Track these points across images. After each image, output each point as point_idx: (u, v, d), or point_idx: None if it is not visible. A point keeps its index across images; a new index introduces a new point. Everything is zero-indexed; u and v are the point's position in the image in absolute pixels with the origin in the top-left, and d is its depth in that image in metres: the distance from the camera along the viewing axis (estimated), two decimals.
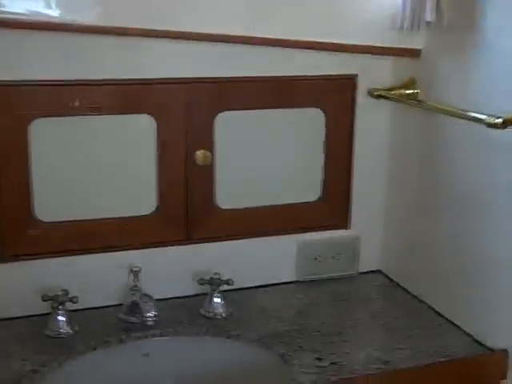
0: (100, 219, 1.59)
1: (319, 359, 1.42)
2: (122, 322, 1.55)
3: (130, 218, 1.61)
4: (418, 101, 1.63)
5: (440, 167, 1.60)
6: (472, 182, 1.50)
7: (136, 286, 1.56)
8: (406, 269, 1.77)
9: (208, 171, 1.64)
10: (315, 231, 1.76)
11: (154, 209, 1.62)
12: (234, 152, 1.66)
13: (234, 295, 1.67)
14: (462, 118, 1.44)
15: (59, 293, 1.51)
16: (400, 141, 1.75)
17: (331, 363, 1.41)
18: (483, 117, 1.35)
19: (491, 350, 1.46)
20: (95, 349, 1.46)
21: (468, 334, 1.52)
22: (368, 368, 1.39)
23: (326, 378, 1.35)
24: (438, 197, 1.62)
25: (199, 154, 1.61)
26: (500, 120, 1.32)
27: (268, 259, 1.74)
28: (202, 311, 1.60)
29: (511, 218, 1.40)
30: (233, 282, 1.60)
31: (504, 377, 1.44)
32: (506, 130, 1.32)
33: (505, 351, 1.44)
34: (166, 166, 1.60)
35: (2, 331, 1.50)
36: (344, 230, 1.79)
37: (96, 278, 1.60)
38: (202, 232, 1.67)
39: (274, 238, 1.73)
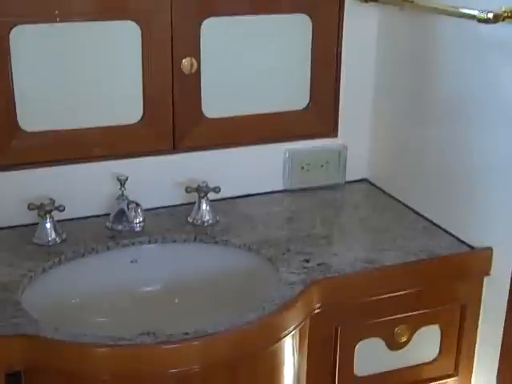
0: (86, 129, 1.56)
1: (307, 261, 1.43)
2: (109, 230, 1.55)
3: (116, 127, 1.58)
4: (408, 0, 1.59)
5: (430, 71, 1.58)
6: (463, 85, 1.48)
7: (123, 194, 1.56)
8: (392, 176, 1.76)
9: (194, 79, 1.60)
10: (303, 140, 1.75)
11: (139, 118, 1.59)
12: (221, 60, 1.63)
13: (221, 204, 1.67)
14: (453, 15, 1.41)
15: (46, 202, 1.50)
16: (389, 46, 1.71)
17: (319, 264, 1.42)
18: (474, 12, 1.33)
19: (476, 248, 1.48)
20: (83, 255, 1.47)
21: (453, 235, 1.54)
22: (354, 267, 1.41)
23: (314, 277, 1.36)
24: (427, 102, 1.60)
25: (185, 61, 1.58)
26: (491, 14, 1.30)
27: (255, 168, 1.73)
28: (190, 219, 1.60)
29: (501, 121, 1.39)
30: (220, 190, 1.59)
31: (488, 273, 1.46)
32: (497, 24, 1.30)
33: (489, 249, 1.45)
34: (151, 74, 1.57)
35: None
36: (331, 139, 1.78)
37: (83, 187, 1.59)
38: (189, 141, 1.65)
39: (262, 146, 1.72)
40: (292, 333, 1.28)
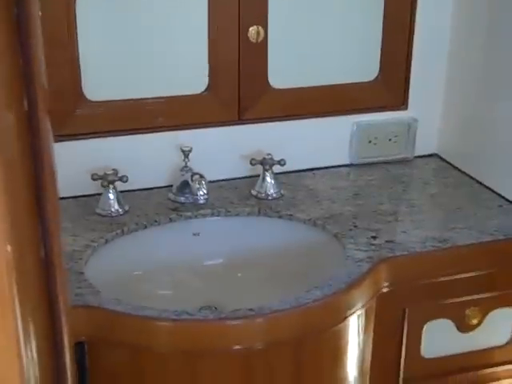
0: (150, 98, 1.53)
1: (374, 237, 1.38)
2: (172, 202, 1.53)
3: (180, 96, 1.55)
4: None
5: (508, 41, 1.49)
6: None
7: (186, 165, 1.53)
8: (464, 152, 1.69)
9: (261, 49, 1.56)
10: (371, 112, 1.68)
11: (205, 88, 1.56)
12: (288, 29, 1.57)
13: (286, 178, 1.63)
14: None
15: (109, 172, 1.48)
16: (466, 11, 1.62)
17: (386, 241, 1.36)
18: None
19: None
20: (145, 227, 1.45)
21: None
22: (424, 246, 1.35)
23: (382, 255, 1.31)
24: (503, 74, 1.51)
25: (252, 30, 1.53)
26: None
27: (321, 141, 1.67)
28: (254, 192, 1.56)
29: None
30: (285, 163, 1.55)
31: None
32: None
33: None
34: (217, 42, 1.53)
35: None
36: (401, 111, 1.71)
37: (146, 158, 1.57)
38: (255, 112, 1.60)
39: (329, 119, 1.66)
40: (358, 312, 1.24)
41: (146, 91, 1.53)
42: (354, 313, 1.23)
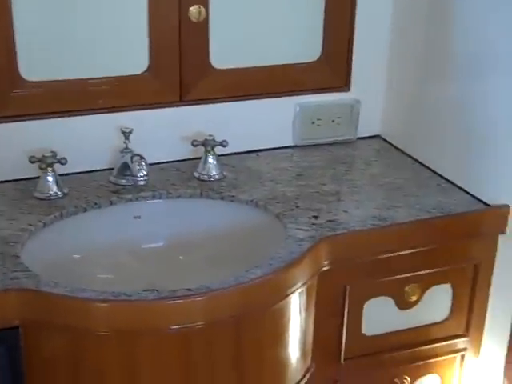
0: (89, 79, 1.51)
1: (316, 217, 1.38)
2: (112, 184, 1.50)
3: (121, 77, 1.52)
4: None
5: (447, 23, 1.50)
6: (481, 38, 1.42)
7: (127, 147, 1.51)
8: (406, 133, 1.70)
9: (202, 28, 1.54)
10: (314, 93, 1.69)
11: (145, 68, 1.53)
12: (230, 8, 1.56)
13: (229, 160, 1.62)
14: None
15: (47, 154, 1.45)
16: None
17: (328, 221, 1.37)
18: None
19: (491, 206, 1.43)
20: (85, 210, 1.43)
21: (468, 193, 1.48)
22: (365, 224, 1.36)
23: (323, 234, 1.32)
24: (444, 56, 1.53)
25: (193, 9, 1.51)
26: None
27: (264, 122, 1.67)
28: (196, 174, 1.55)
29: None
30: (227, 144, 1.54)
31: (503, 232, 1.41)
32: None
33: (506, 206, 1.40)
34: (158, 22, 1.50)
35: None
36: (344, 93, 1.71)
37: (86, 140, 1.54)
38: (196, 93, 1.59)
39: (271, 100, 1.66)
40: (299, 290, 1.24)
41: (86, 71, 1.50)
42: (294, 291, 1.23)
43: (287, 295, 1.22)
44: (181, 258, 1.47)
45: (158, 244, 1.49)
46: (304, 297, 1.28)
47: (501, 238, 1.43)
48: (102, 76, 1.52)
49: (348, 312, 1.38)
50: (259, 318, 1.21)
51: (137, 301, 1.12)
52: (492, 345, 1.50)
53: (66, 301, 1.12)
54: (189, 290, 1.14)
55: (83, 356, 1.15)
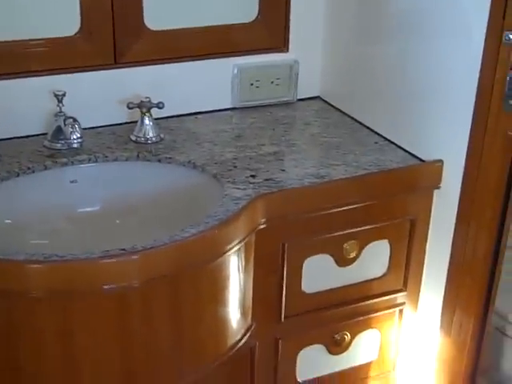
0: (21, 40, 1.46)
1: (253, 176, 1.38)
2: (47, 149, 1.47)
3: (53, 39, 1.48)
4: None
5: None
6: None
7: (61, 111, 1.47)
8: (345, 93, 1.71)
9: None
10: (252, 54, 1.67)
11: (77, 29, 1.50)
12: None
13: (167, 122, 1.61)
14: None
15: None
16: None
17: (265, 180, 1.37)
18: None
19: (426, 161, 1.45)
20: (18, 175, 1.39)
21: (405, 150, 1.50)
22: (302, 183, 1.36)
23: (260, 193, 1.31)
24: (380, 15, 1.54)
25: None
26: None
27: (202, 85, 1.65)
28: (133, 137, 1.52)
29: (454, 34, 1.34)
30: (163, 106, 1.52)
31: (438, 187, 1.43)
32: None
33: (440, 161, 1.42)
34: None
35: None
36: (282, 54, 1.70)
37: (18, 105, 1.50)
38: (131, 55, 1.56)
39: (209, 61, 1.64)
40: (236, 248, 1.24)
41: (18, 33, 1.46)
42: (231, 248, 1.22)
43: (224, 252, 1.22)
44: (117, 221, 1.45)
45: (95, 208, 1.46)
46: (242, 254, 1.27)
47: (436, 193, 1.45)
48: (34, 38, 1.47)
49: (287, 270, 1.38)
50: (197, 276, 1.20)
51: (69, 261, 1.10)
52: (429, 298, 1.53)
53: None
54: (122, 249, 1.13)
55: (17, 320, 1.13)
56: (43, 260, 1.10)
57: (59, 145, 1.47)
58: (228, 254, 1.23)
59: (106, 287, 1.11)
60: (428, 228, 1.48)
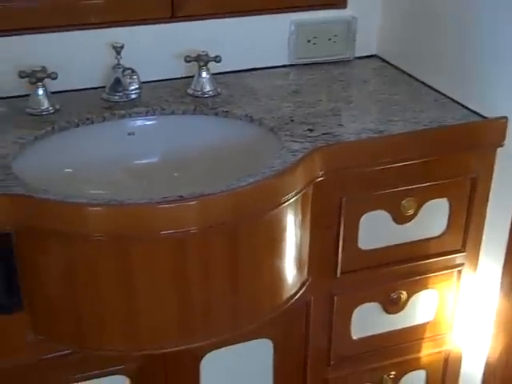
0: None
1: (311, 130, 1.36)
2: (105, 101, 1.48)
3: None
4: None
5: None
6: None
7: (119, 63, 1.47)
8: (404, 51, 1.66)
9: None
10: (309, 10, 1.64)
11: None
12: None
13: (223, 77, 1.59)
14: None
15: (37, 69, 1.42)
16: None
17: (323, 134, 1.35)
18: None
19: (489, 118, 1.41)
20: (77, 125, 1.40)
21: (466, 107, 1.45)
22: (360, 137, 1.34)
23: (318, 146, 1.29)
24: None
25: None
26: None
27: (259, 40, 1.63)
28: (190, 91, 1.52)
29: None
30: (220, 59, 1.50)
31: (501, 145, 1.39)
32: None
33: (504, 118, 1.37)
34: None
35: None
36: (340, 10, 1.67)
37: (78, 57, 1.50)
38: (189, 9, 1.54)
39: (266, 16, 1.61)
40: (293, 199, 1.22)
41: None
42: (288, 199, 1.21)
43: (281, 203, 1.20)
44: (175, 174, 1.45)
45: (152, 161, 1.46)
46: (299, 207, 1.26)
47: (499, 151, 1.41)
48: None
49: (344, 225, 1.36)
50: (254, 226, 1.20)
51: (129, 205, 1.10)
52: (489, 260, 1.49)
53: (58, 206, 1.11)
54: (180, 196, 1.13)
55: (77, 262, 1.15)
56: (104, 203, 1.11)
57: (117, 97, 1.47)
58: (285, 205, 1.21)
59: (163, 232, 1.11)
60: (490, 188, 1.44)
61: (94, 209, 1.10)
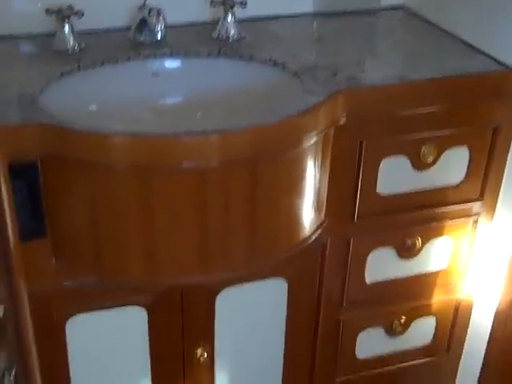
0: None
1: (334, 75, 1.36)
2: (131, 42, 1.49)
3: None
4: None
5: None
6: None
7: (145, 4, 1.48)
8: (431, 2, 1.65)
9: None
10: None
11: None
12: None
13: (247, 23, 1.59)
14: None
15: (64, 7, 1.43)
16: None
17: (346, 78, 1.35)
18: None
19: None
20: (102, 64, 1.42)
21: (492, 57, 1.44)
22: (383, 81, 1.34)
23: (342, 88, 1.30)
24: None
25: None
26: None
27: None
28: (215, 34, 1.53)
29: None
30: (246, 4, 1.51)
31: None
32: None
33: None
34: None
35: (6, 47, 1.46)
36: None
37: None
38: None
39: None
40: (314, 139, 1.24)
41: None
42: (310, 139, 1.23)
43: (302, 143, 1.22)
44: (199, 114, 1.47)
45: (177, 101, 1.48)
46: (320, 148, 1.27)
47: None
48: None
49: (363, 169, 1.38)
50: (275, 163, 1.21)
51: (152, 136, 1.13)
52: (506, 211, 1.50)
53: (84, 135, 1.13)
54: (203, 131, 1.15)
55: (99, 192, 1.18)
56: (128, 134, 1.13)
57: (143, 37, 1.48)
58: (306, 145, 1.23)
59: (185, 164, 1.14)
60: (511, 138, 1.44)
61: (118, 139, 1.13)
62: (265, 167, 1.21)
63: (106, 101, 1.42)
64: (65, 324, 1.36)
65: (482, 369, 1.64)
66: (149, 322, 1.41)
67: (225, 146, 1.15)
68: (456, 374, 1.73)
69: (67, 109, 1.31)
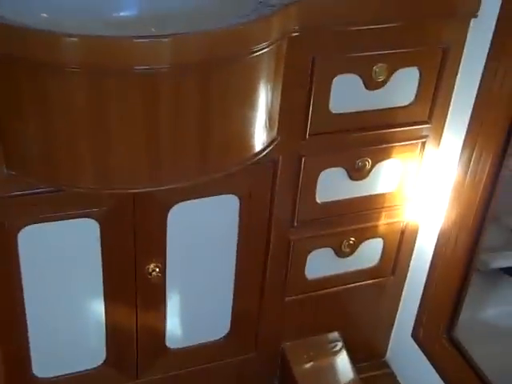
0: None
1: None
2: None
3: None
4: None
5: None
6: None
7: None
8: None
9: None
10: None
11: None
12: None
13: None
14: None
15: None
16: None
17: None
18: None
19: None
20: None
21: None
22: None
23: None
24: None
25: None
26: None
27: None
28: None
29: None
30: None
31: (475, 15, 1.41)
32: None
33: None
34: None
35: None
36: None
37: None
38: None
39: None
40: (266, 49, 1.23)
41: None
42: (262, 49, 1.22)
43: (254, 51, 1.21)
44: (153, 29, 1.46)
45: (131, 14, 1.47)
46: (272, 60, 1.27)
47: (473, 22, 1.43)
48: None
49: (315, 86, 1.39)
50: (227, 71, 1.21)
51: (104, 37, 1.12)
52: (451, 134, 1.54)
53: (36, 34, 1.11)
54: (156, 35, 1.14)
55: (51, 94, 1.16)
56: (80, 35, 1.11)
57: None
58: (258, 54, 1.22)
59: (137, 67, 1.13)
60: (460, 60, 1.47)
61: (70, 39, 1.11)
62: (217, 75, 1.20)
63: (60, 8, 1.39)
64: (17, 234, 1.36)
65: (423, 290, 1.69)
66: (101, 235, 1.42)
67: (176, 49, 1.14)
68: (400, 296, 1.79)
69: (18, 16, 1.29)
